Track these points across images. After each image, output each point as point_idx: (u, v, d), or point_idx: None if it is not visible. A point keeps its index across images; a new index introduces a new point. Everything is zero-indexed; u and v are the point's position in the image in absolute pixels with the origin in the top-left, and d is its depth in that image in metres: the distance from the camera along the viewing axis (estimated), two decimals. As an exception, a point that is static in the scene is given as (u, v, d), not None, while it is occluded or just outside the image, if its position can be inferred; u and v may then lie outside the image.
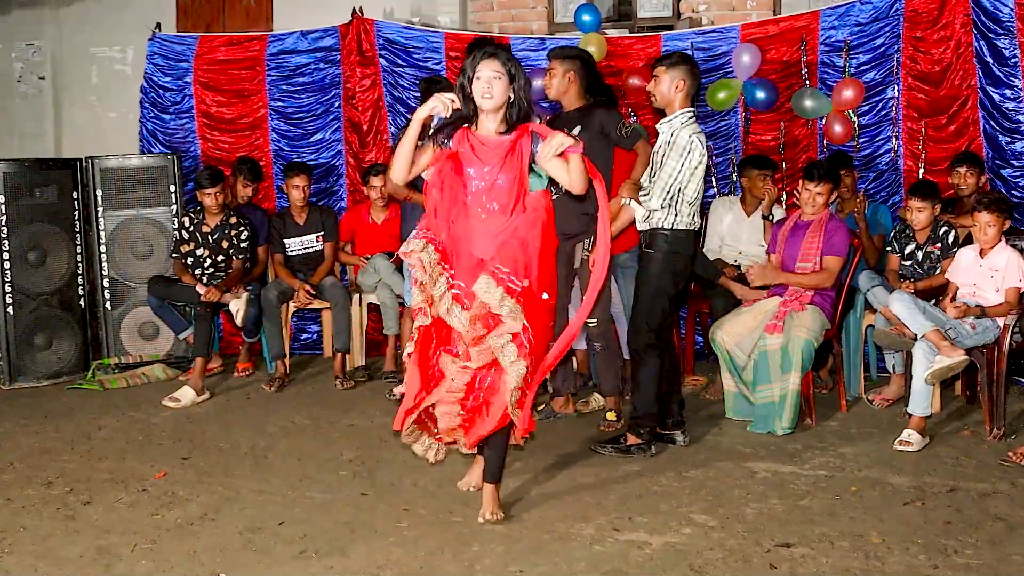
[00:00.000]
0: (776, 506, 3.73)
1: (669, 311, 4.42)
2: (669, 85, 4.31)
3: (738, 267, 5.49)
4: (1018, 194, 5.47)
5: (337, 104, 6.68)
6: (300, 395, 5.65)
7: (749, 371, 4.77)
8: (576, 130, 4.63)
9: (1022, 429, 4.66)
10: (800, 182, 5.00)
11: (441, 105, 3.51)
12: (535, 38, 6.55)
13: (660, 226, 4.28)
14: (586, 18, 6.20)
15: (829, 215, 4.95)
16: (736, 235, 5.65)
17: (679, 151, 4.22)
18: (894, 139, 5.89)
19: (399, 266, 5.79)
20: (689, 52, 6.13)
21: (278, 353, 5.89)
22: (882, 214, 5.57)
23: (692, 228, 4.35)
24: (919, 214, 4.97)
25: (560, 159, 3.49)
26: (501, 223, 3.53)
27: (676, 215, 4.27)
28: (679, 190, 4.24)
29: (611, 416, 4.82)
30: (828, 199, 4.91)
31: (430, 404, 3.58)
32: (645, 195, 4.33)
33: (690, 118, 4.30)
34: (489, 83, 3.49)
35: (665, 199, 4.24)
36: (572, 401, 5.08)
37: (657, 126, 4.41)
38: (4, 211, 5.87)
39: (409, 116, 6.39)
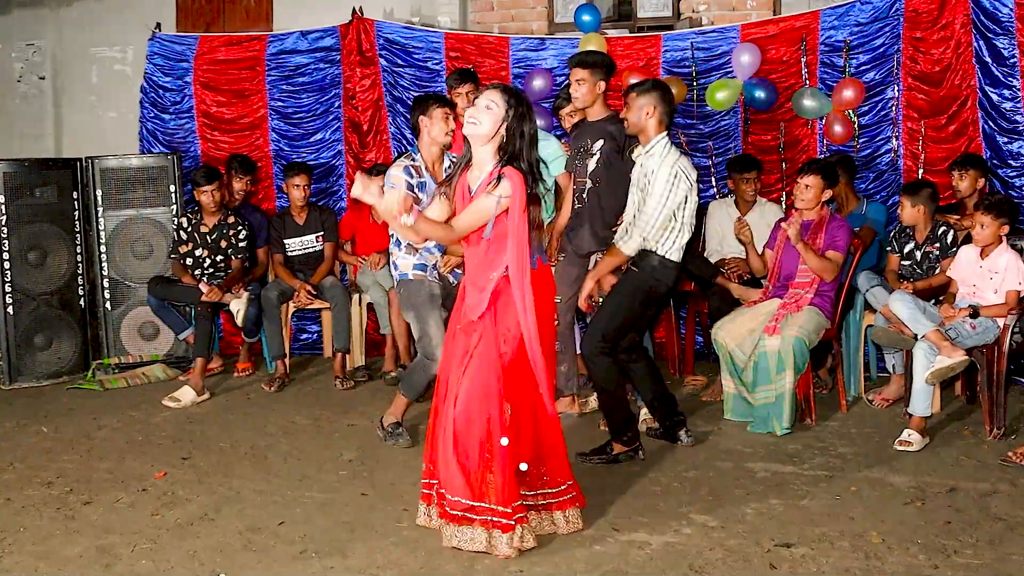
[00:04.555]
0: (776, 506, 3.73)
1: (628, 329, 4.33)
2: (639, 112, 4.27)
3: (743, 260, 5.50)
4: (1015, 194, 5.47)
5: (337, 104, 6.69)
6: (300, 395, 5.65)
7: (748, 372, 4.77)
8: (598, 143, 4.67)
9: (1022, 429, 4.66)
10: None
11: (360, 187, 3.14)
12: (535, 38, 6.55)
13: (654, 249, 4.23)
14: (586, 18, 6.20)
15: (830, 214, 4.95)
16: (733, 236, 5.64)
17: (663, 184, 4.16)
18: (894, 139, 5.89)
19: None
20: (688, 52, 6.16)
21: (278, 353, 5.89)
22: (875, 211, 5.57)
23: (679, 261, 4.30)
24: (903, 211, 5.01)
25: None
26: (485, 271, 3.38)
27: (673, 243, 4.24)
28: (670, 219, 4.19)
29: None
30: (820, 193, 4.89)
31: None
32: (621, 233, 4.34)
33: (667, 146, 4.25)
34: (477, 110, 3.33)
35: (653, 234, 4.19)
36: (576, 401, 5.08)
37: (635, 157, 4.36)
38: (4, 211, 5.87)
39: (409, 115, 6.40)
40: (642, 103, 4.26)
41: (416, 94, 6.50)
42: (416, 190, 4.43)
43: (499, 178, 3.31)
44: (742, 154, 5.91)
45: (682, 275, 5.70)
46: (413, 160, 4.54)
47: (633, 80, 5.80)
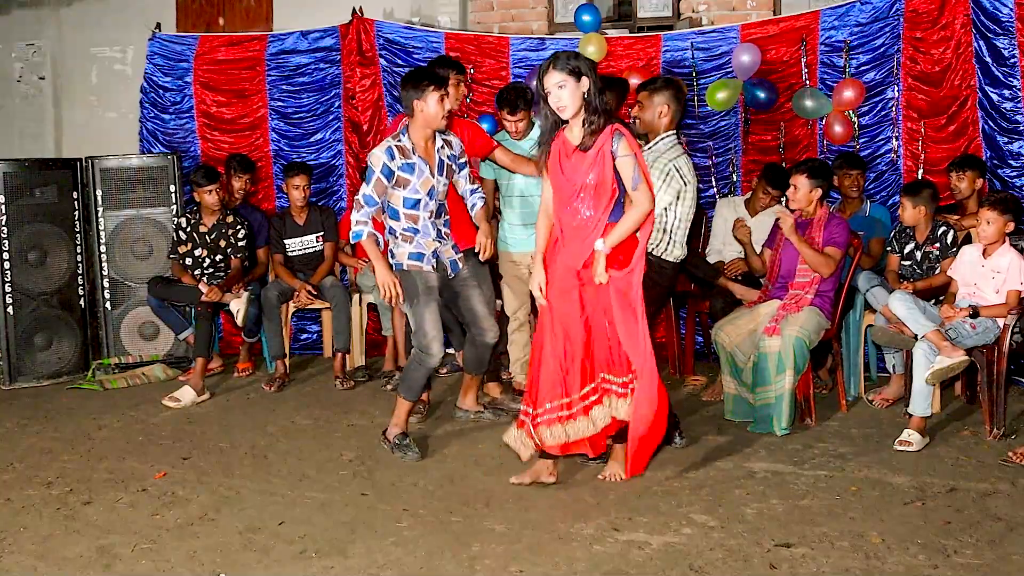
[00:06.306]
0: (776, 506, 3.73)
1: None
2: (654, 111, 4.28)
3: (741, 259, 5.49)
4: (1015, 194, 5.46)
5: (337, 104, 6.69)
6: (300, 395, 5.66)
7: (748, 373, 4.78)
8: None
9: (1022, 429, 4.66)
10: None
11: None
12: (535, 38, 6.55)
13: (650, 251, 4.15)
14: (586, 18, 6.20)
15: (829, 213, 4.94)
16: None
17: (656, 179, 4.11)
18: (894, 139, 5.89)
19: None
20: (688, 52, 6.16)
21: (278, 353, 5.89)
22: (881, 214, 5.57)
23: (676, 261, 4.30)
24: (904, 212, 5.02)
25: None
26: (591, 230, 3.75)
27: (669, 244, 4.22)
28: (661, 216, 4.15)
29: None
30: (809, 192, 4.86)
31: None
32: None
33: (672, 144, 4.24)
34: (557, 96, 3.69)
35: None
36: None
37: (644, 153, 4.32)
38: (4, 211, 5.87)
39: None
40: (657, 101, 4.28)
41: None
42: (401, 172, 4.26)
43: (616, 136, 3.70)
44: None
45: (682, 275, 5.72)
46: (399, 140, 4.32)
47: (635, 79, 5.80)
